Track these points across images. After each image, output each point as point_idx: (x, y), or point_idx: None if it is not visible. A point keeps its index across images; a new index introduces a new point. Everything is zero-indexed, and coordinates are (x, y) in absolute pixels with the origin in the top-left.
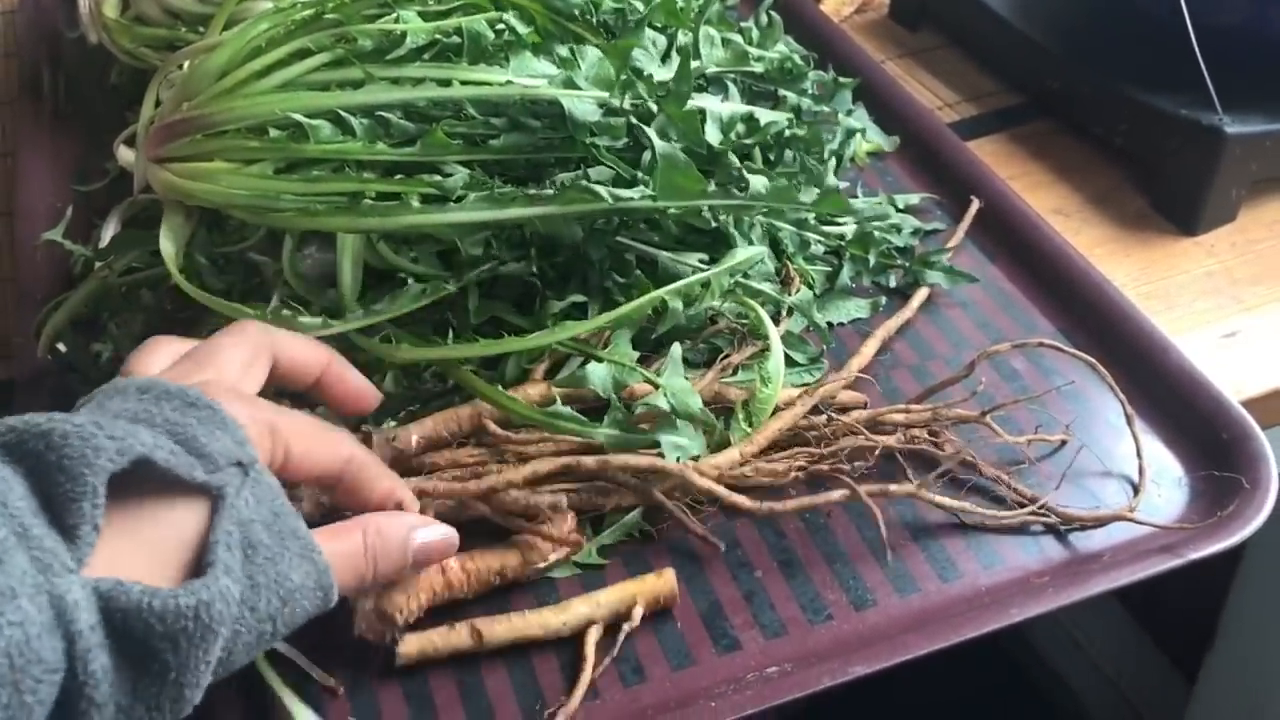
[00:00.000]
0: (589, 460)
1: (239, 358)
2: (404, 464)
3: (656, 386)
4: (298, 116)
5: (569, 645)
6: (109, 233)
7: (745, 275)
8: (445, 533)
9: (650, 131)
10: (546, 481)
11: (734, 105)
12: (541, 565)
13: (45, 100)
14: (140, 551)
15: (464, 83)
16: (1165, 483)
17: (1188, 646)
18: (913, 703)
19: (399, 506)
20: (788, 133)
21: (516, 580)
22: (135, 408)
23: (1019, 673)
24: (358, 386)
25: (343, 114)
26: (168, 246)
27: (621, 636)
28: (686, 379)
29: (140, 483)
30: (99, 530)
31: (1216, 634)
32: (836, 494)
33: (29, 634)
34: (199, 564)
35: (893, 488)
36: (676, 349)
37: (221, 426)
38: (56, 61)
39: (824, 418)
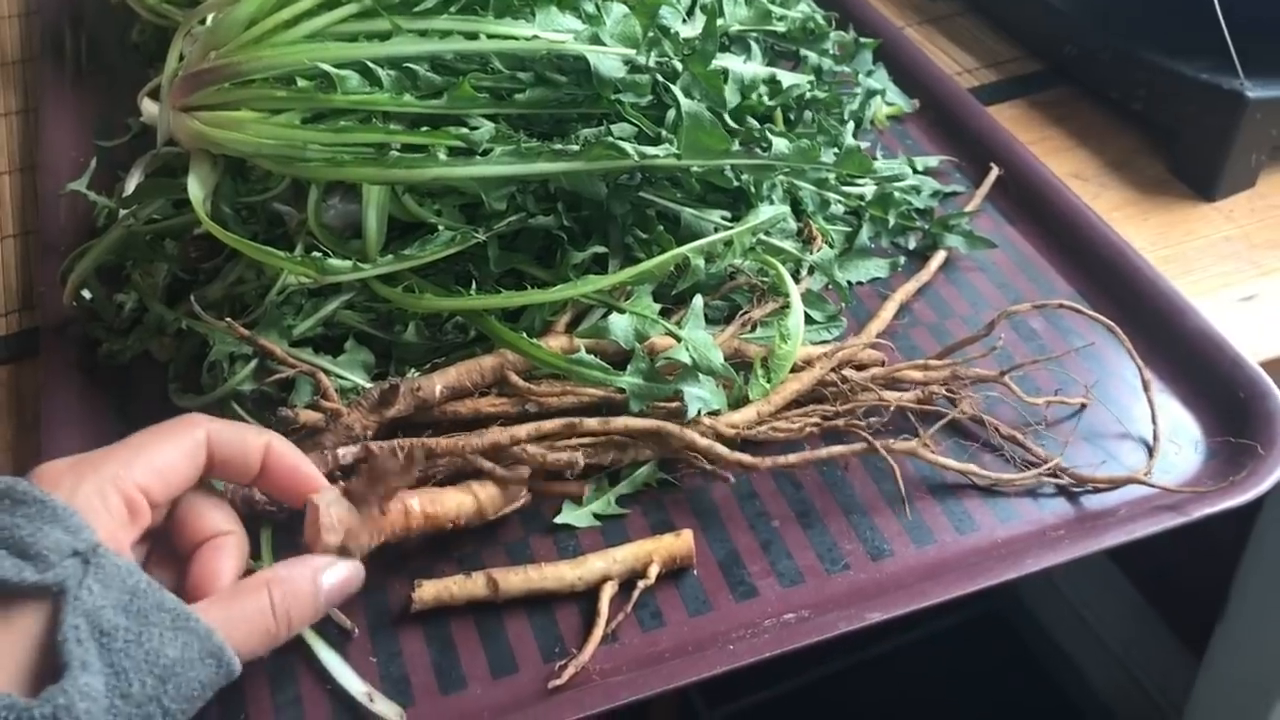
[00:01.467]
0: (590, 421)
1: (167, 449)
2: (427, 413)
3: (678, 339)
4: (325, 67)
5: (589, 594)
6: (132, 185)
7: (766, 233)
8: (351, 569)
9: (676, 90)
10: (551, 438)
11: (756, 66)
12: (493, 515)
13: (67, 58)
14: (1, 666)
15: (490, 36)
16: (1183, 441)
17: (1196, 621)
18: (918, 677)
19: (270, 456)
20: (808, 95)
21: (469, 526)
22: None
23: (1023, 647)
24: (305, 472)
25: (370, 65)
26: (196, 192)
27: (636, 593)
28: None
29: None
30: None
31: (1226, 608)
32: (844, 448)
33: None
34: (55, 667)
35: (895, 444)
36: (698, 301)
37: (52, 520)
38: (78, 20)
39: (840, 375)
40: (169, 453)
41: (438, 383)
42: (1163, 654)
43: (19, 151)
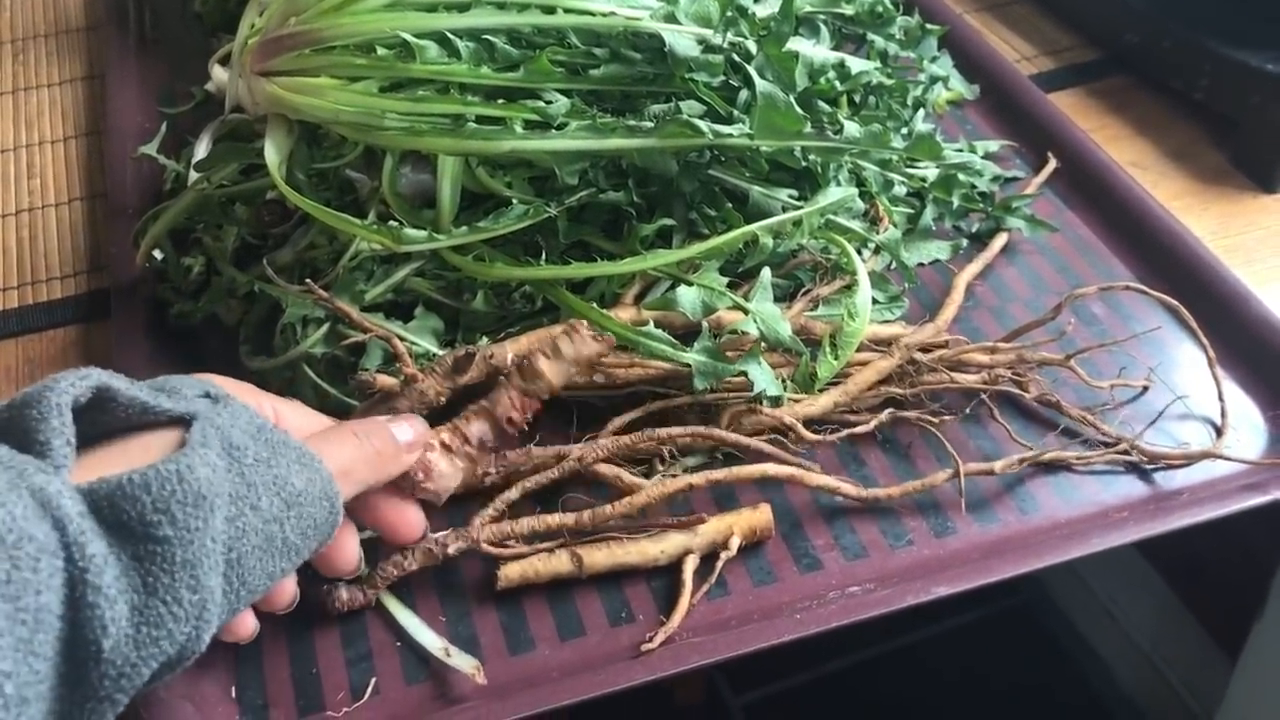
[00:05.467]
0: (678, 431)
1: (309, 418)
2: (496, 380)
3: (746, 312)
4: (405, 36)
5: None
6: (201, 149)
7: (834, 213)
8: (410, 422)
9: (751, 70)
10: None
11: (825, 51)
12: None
13: (131, 27)
14: (118, 468)
15: (567, 11)
16: (1244, 426)
17: (1230, 621)
18: (943, 669)
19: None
20: (875, 81)
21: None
22: None
23: (1050, 642)
24: (409, 516)
25: (449, 36)
26: (273, 157)
27: (719, 565)
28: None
29: (110, 423)
30: (71, 446)
31: (1264, 609)
32: (941, 476)
33: (14, 513)
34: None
35: (996, 466)
36: (766, 273)
37: (183, 378)
38: None
39: (909, 358)
40: (303, 419)
41: (510, 350)
42: (1194, 653)
43: (84, 117)
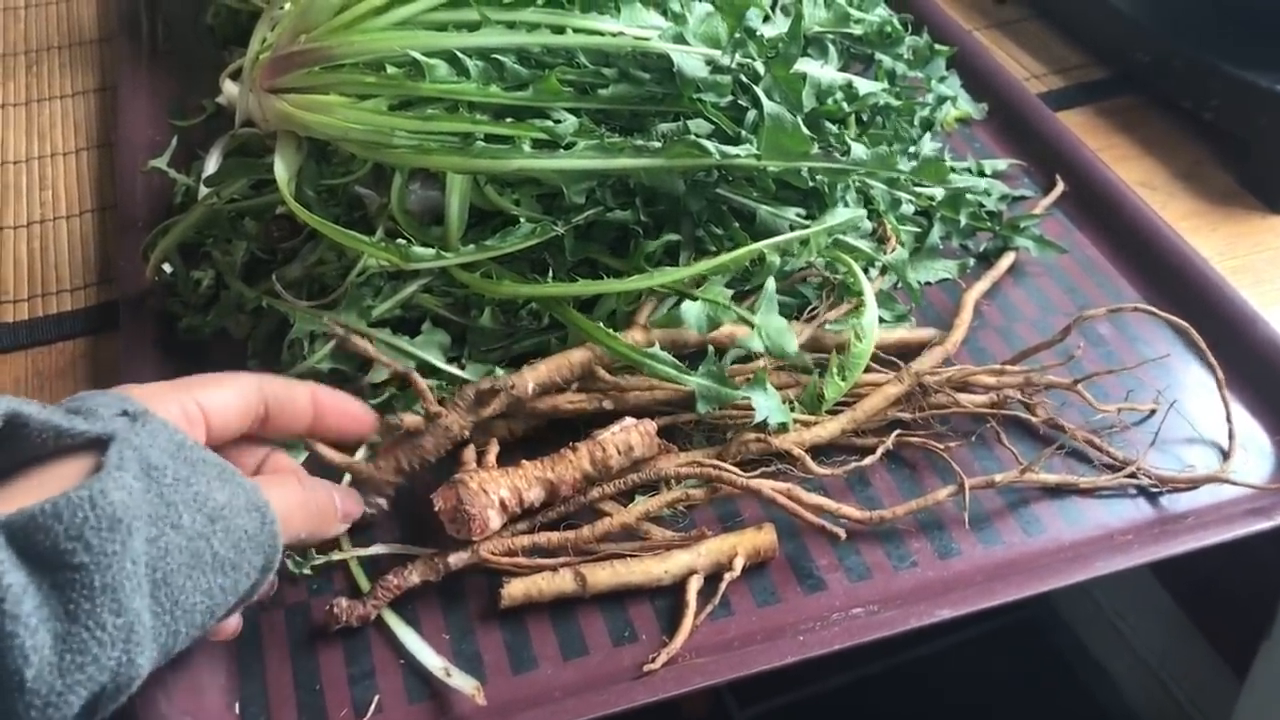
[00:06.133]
0: (697, 493)
1: (221, 390)
2: (520, 409)
3: (751, 325)
4: (415, 54)
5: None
6: (211, 164)
7: (842, 232)
8: (358, 498)
9: (759, 91)
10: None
11: (833, 72)
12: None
13: (143, 39)
14: (36, 497)
15: (576, 30)
16: (1252, 449)
17: (1238, 638)
18: (949, 684)
19: (319, 404)
20: (882, 102)
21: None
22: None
23: (1057, 658)
24: (355, 409)
25: (459, 54)
26: (282, 173)
27: (723, 585)
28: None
29: (26, 450)
30: None
31: (1272, 627)
32: (944, 493)
33: None
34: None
35: (998, 478)
36: (770, 285)
37: (102, 393)
38: (154, 2)
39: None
40: (223, 393)
41: (530, 379)
42: (1202, 671)
43: (96, 129)
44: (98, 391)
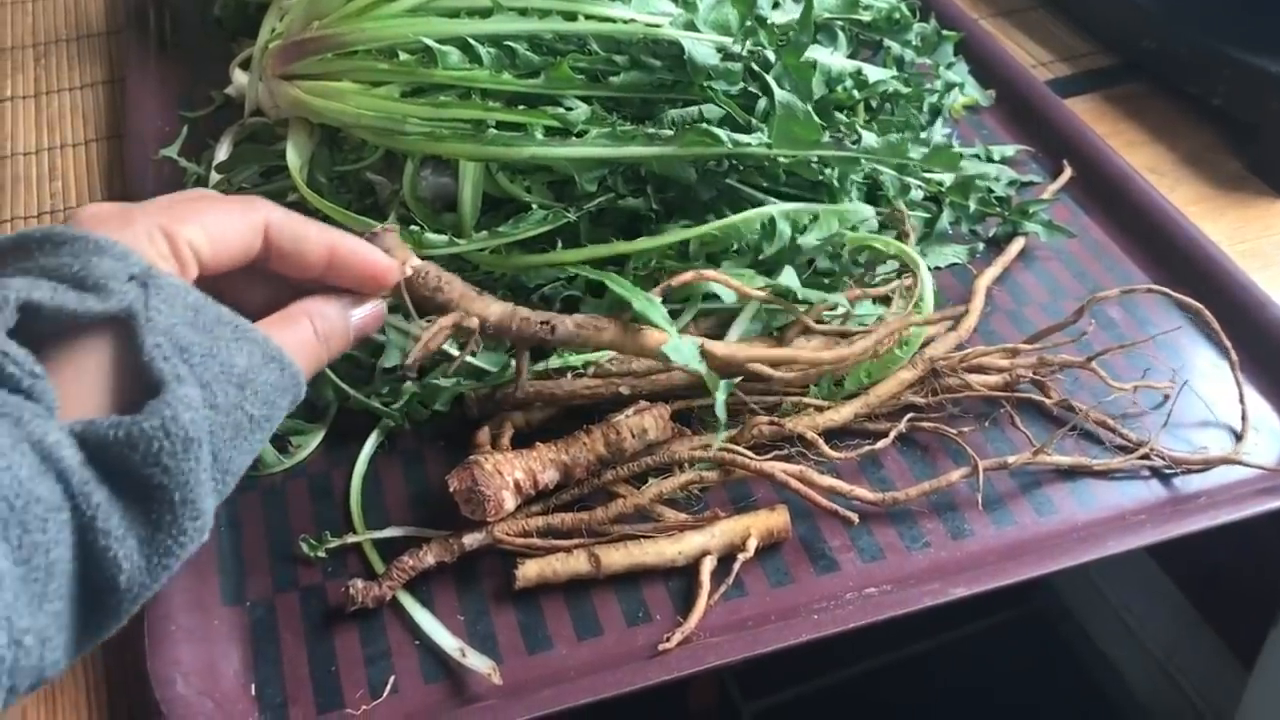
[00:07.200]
0: (711, 475)
1: (222, 216)
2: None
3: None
4: (427, 41)
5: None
6: (222, 152)
7: (853, 227)
8: (376, 306)
9: (770, 80)
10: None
11: (843, 59)
12: None
13: (151, 31)
14: (88, 393)
15: (588, 17)
16: (1262, 430)
17: (1245, 629)
18: (956, 676)
19: (336, 256)
20: (892, 89)
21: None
22: (10, 268)
23: (1064, 649)
24: (377, 260)
25: (471, 41)
26: (294, 160)
27: (736, 566)
28: None
29: (48, 333)
30: (46, 379)
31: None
32: (956, 474)
33: (19, 476)
34: (146, 387)
35: (1011, 459)
36: (789, 269)
37: (98, 252)
38: None
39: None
40: (224, 219)
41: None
42: (1208, 661)
43: (106, 121)
44: (94, 239)
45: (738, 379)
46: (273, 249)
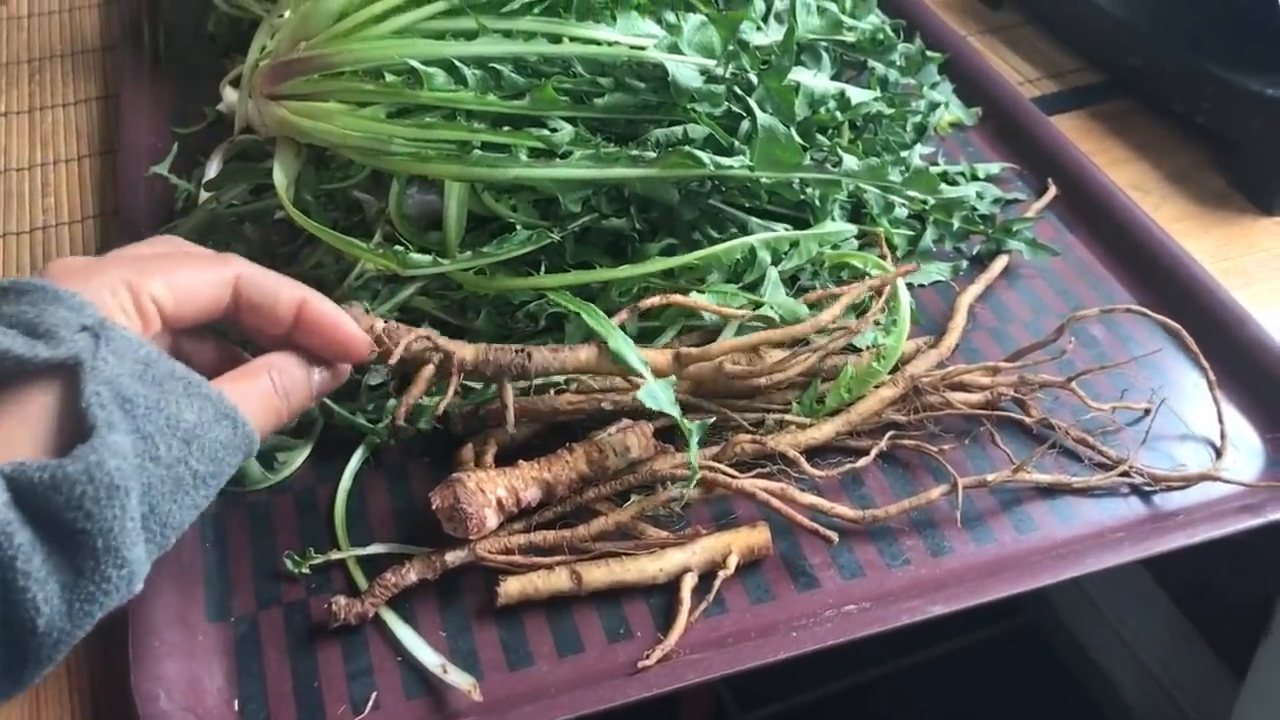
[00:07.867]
0: (693, 492)
1: (190, 272)
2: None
3: (758, 306)
4: (413, 63)
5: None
6: (212, 169)
7: (834, 245)
8: (339, 372)
9: (752, 102)
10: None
11: (826, 81)
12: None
13: (145, 48)
14: (28, 437)
15: (573, 40)
16: (1242, 448)
17: (1237, 639)
18: (950, 689)
19: (306, 312)
20: (875, 110)
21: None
22: None
23: (1058, 662)
24: (345, 327)
25: (456, 63)
26: (280, 179)
27: (717, 583)
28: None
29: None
30: None
31: (1270, 626)
32: (936, 492)
33: None
34: (79, 433)
35: (991, 477)
36: (773, 271)
37: (55, 301)
38: (156, 10)
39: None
40: (192, 274)
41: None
42: (1201, 672)
43: (98, 137)
44: (53, 290)
45: (711, 420)
46: (243, 303)
